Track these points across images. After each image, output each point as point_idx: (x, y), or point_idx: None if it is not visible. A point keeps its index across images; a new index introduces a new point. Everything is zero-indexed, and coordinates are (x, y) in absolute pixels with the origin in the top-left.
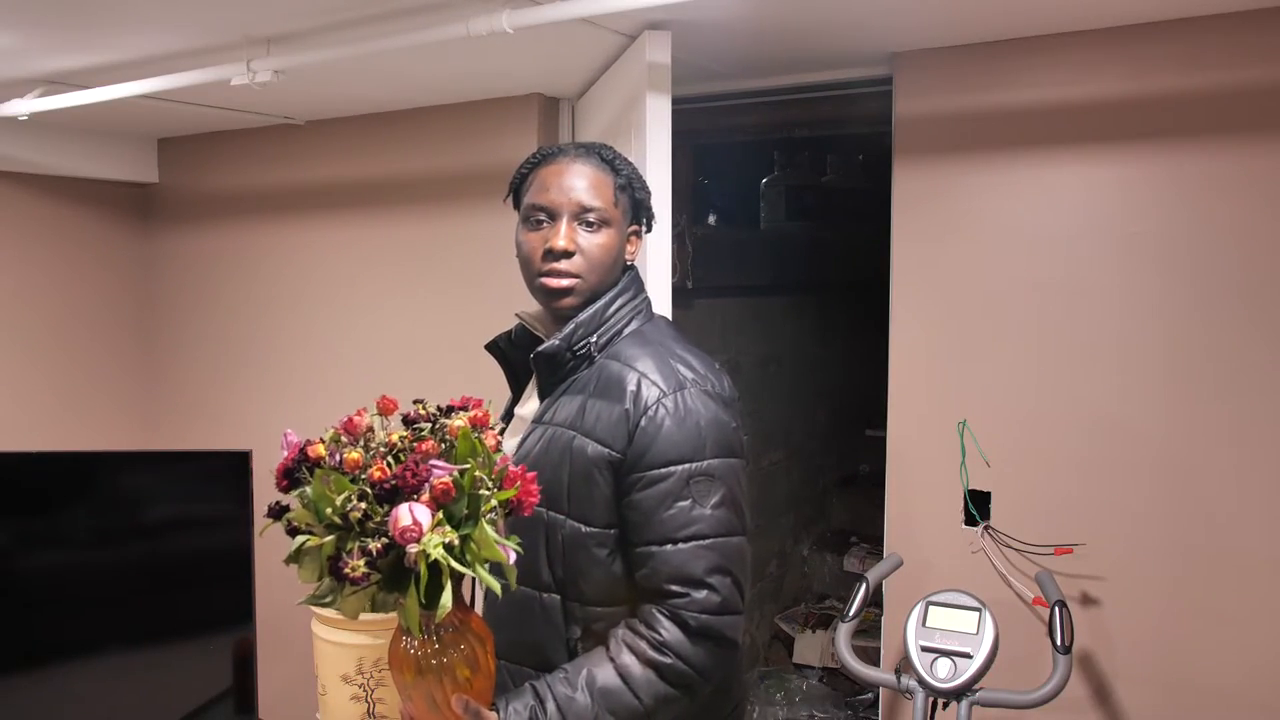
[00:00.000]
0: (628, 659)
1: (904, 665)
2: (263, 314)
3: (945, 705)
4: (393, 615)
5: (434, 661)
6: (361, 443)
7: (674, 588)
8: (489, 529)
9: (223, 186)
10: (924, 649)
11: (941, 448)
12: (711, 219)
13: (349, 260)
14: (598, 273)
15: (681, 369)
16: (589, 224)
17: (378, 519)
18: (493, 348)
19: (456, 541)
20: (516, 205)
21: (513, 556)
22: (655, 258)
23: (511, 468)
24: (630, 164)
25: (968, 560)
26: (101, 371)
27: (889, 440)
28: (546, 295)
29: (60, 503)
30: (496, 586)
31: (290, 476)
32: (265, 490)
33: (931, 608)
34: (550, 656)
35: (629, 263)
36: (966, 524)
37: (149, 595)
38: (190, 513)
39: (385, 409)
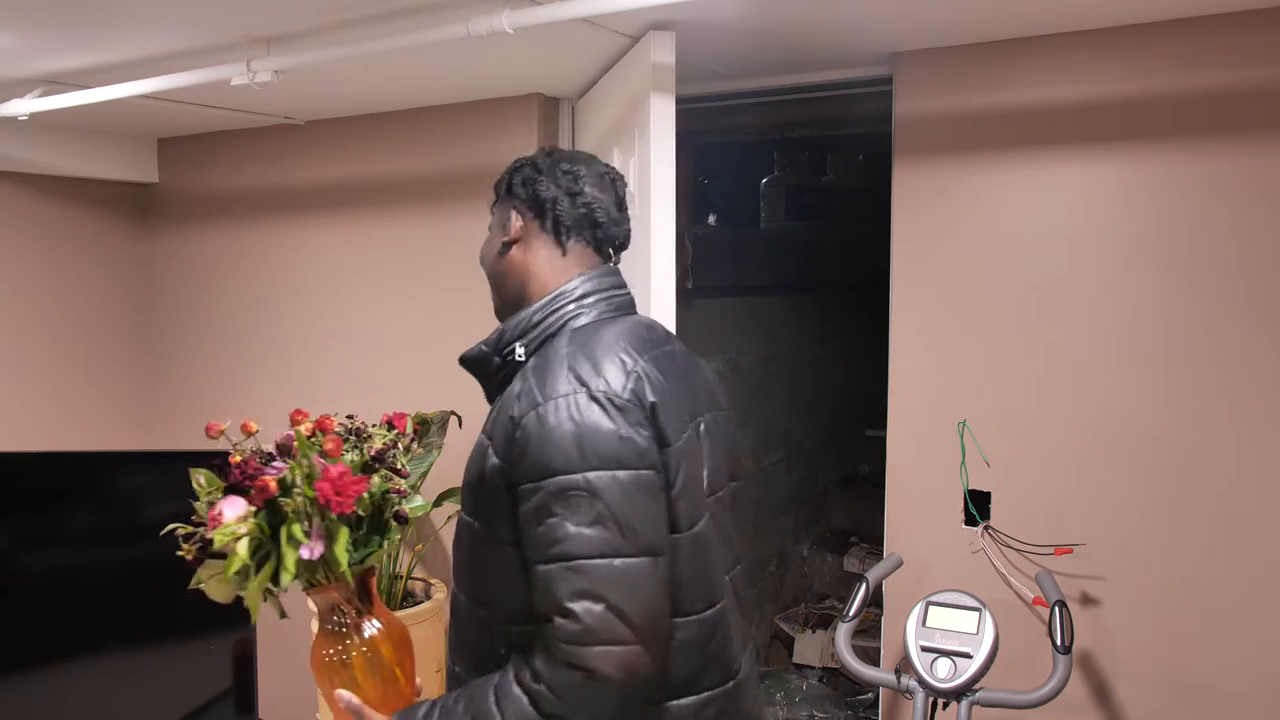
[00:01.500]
0: (508, 682)
1: (904, 665)
2: (262, 313)
3: (945, 705)
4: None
5: (331, 657)
6: (236, 444)
7: (546, 612)
8: (292, 524)
9: (222, 186)
10: (924, 649)
11: (941, 448)
12: (711, 219)
13: (348, 260)
14: (493, 283)
15: (579, 371)
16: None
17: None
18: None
19: (259, 532)
20: None
21: (306, 554)
22: (660, 259)
23: (330, 468)
24: (509, 172)
25: (968, 560)
26: (101, 371)
27: (889, 440)
28: None
29: (60, 503)
30: (289, 576)
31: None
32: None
33: (931, 608)
34: (489, 667)
35: (509, 240)
36: (966, 524)
37: (149, 595)
38: (190, 513)
39: (322, 425)
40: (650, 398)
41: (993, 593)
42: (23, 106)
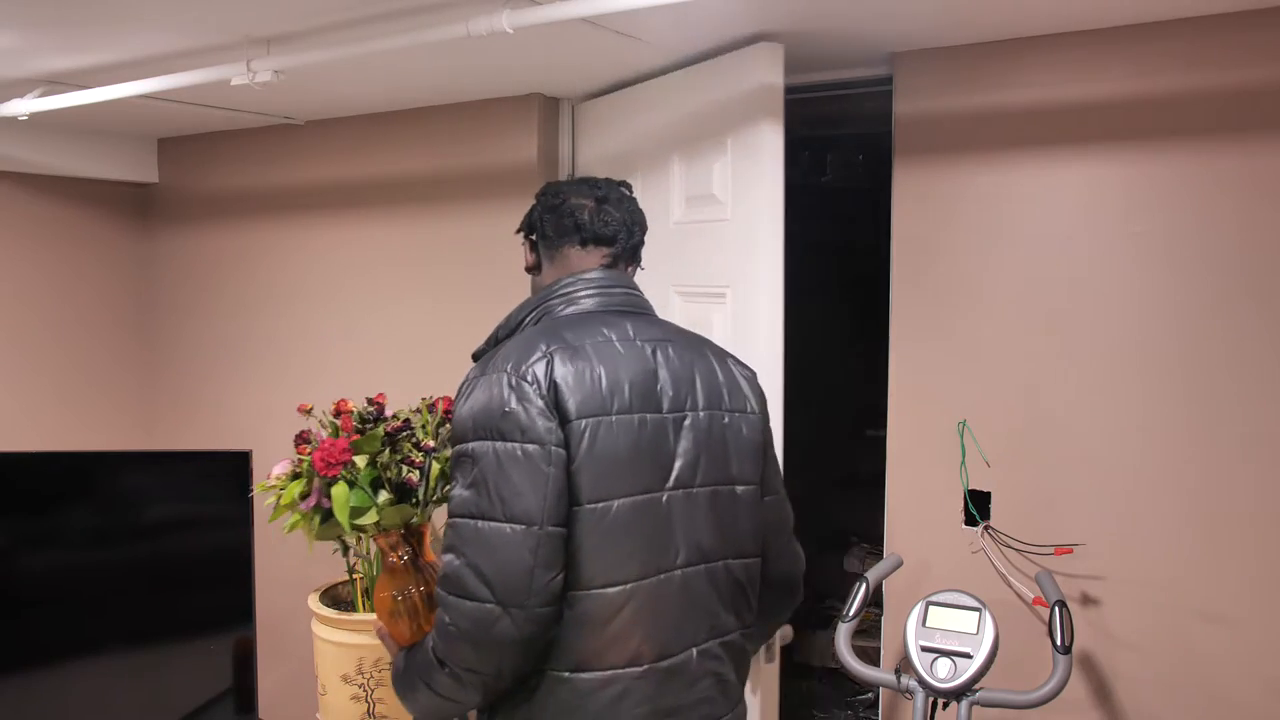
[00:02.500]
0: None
1: (904, 665)
2: (262, 313)
3: (945, 705)
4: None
5: (382, 594)
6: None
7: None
8: (300, 482)
9: (223, 186)
10: (924, 649)
11: (941, 448)
12: None
13: (348, 260)
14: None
15: (505, 356)
16: None
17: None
18: None
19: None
20: None
21: (303, 505)
22: (767, 279)
23: (325, 439)
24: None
25: (968, 560)
26: (101, 371)
27: (889, 440)
28: None
29: (60, 503)
30: (294, 524)
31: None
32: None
33: (931, 608)
34: None
35: (528, 267)
36: (966, 524)
37: (149, 595)
38: (190, 513)
39: (339, 407)
40: (554, 376)
41: (993, 593)
42: (23, 106)
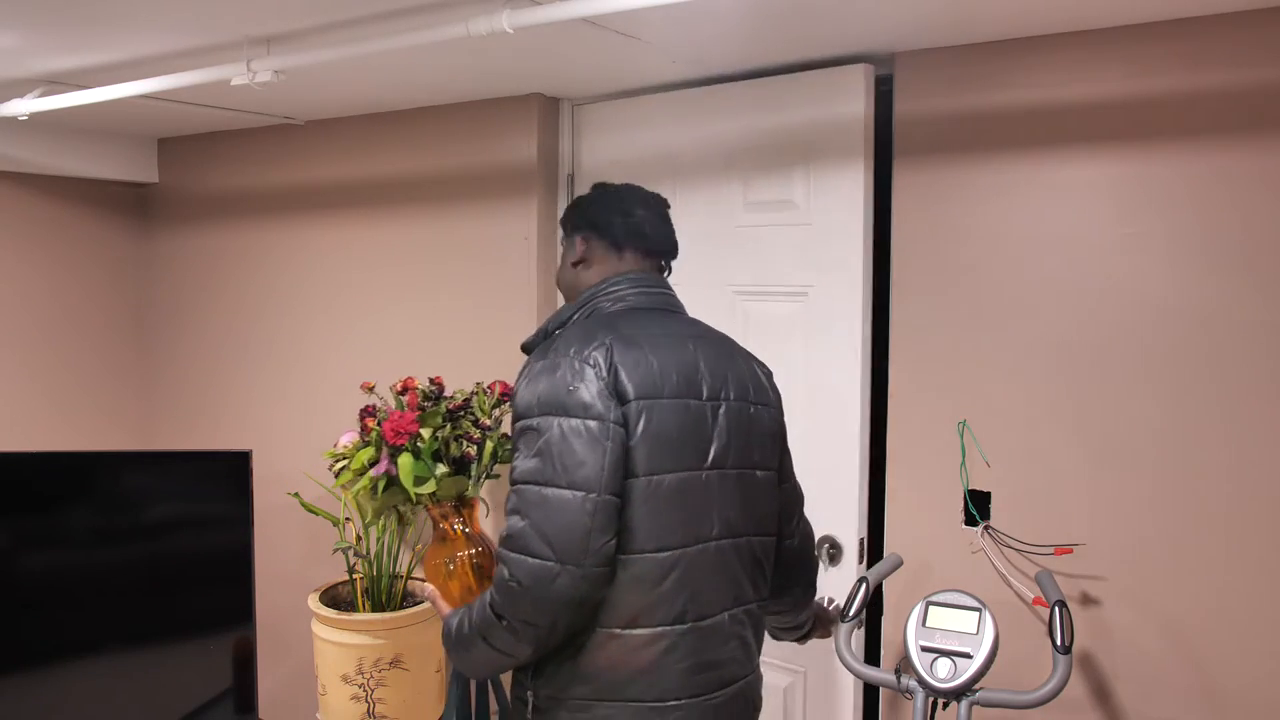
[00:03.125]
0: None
1: (904, 665)
2: (262, 314)
3: (945, 705)
4: (391, 616)
5: (434, 561)
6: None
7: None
8: (368, 451)
9: (222, 186)
10: (924, 649)
11: (941, 448)
12: None
13: (348, 260)
14: (567, 297)
15: (566, 344)
16: None
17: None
18: None
19: (350, 453)
20: None
21: (374, 470)
22: (854, 281)
23: (394, 412)
24: (571, 210)
25: (968, 560)
26: (101, 371)
27: (889, 440)
28: None
29: (60, 503)
30: (363, 486)
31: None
32: (265, 490)
33: (931, 608)
34: None
35: (576, 262)
36: (966, 524)
37: (149, 595)
38: (190, 513)
39: (406, 384)
40: (614, 361)
41: (993, 593)
42: (23, 106)
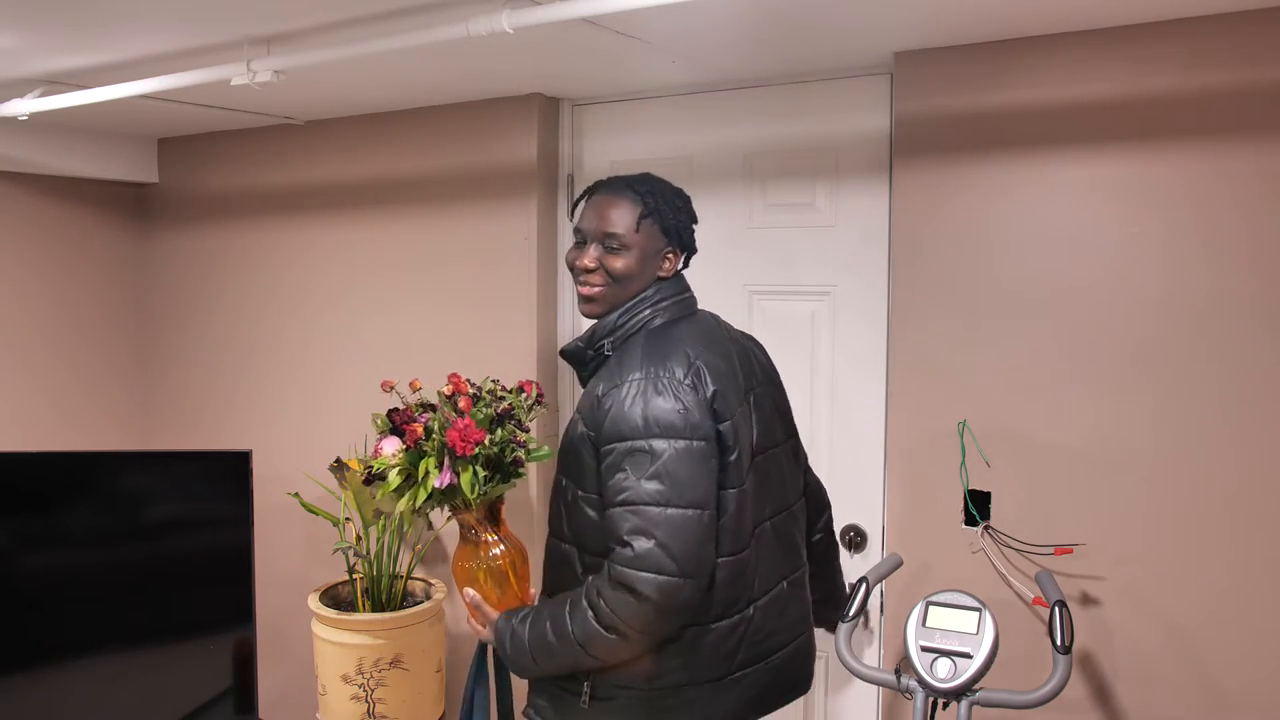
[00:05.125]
0: (578, 597)
1: (904, 665)
2: (262, 314)
3: (945, 705)
4: (391, 616)
5: (463, 564)
6: (410, 397)
7: (611, 544)
8: (429, 460)
9: (222, 186)
10: (924, 649)
11: (941, 448)
12: None
13: (348, 260)
14: (617, 287)
15: (654, 362)
16: (611, 248)
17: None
18: (563, 353)
19: (406, 464)
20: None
21: (438, 483)
22: (875, 281)
23: (458, 420)
24: (663, 197)
25: (968, 560)
26: (101, 371)
27: (889, 440)
28: (579, 300)
29: (60, 503)
30: (421, 496)
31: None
32: (265, 490)
33: (931, 608)
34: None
35: (662, 276)
36: (966, 524)
37: (149, 595)
38: (190, 513)
39: (458, 386)
40: (710, 383)
41: (993, 593)
42: (23, 106)
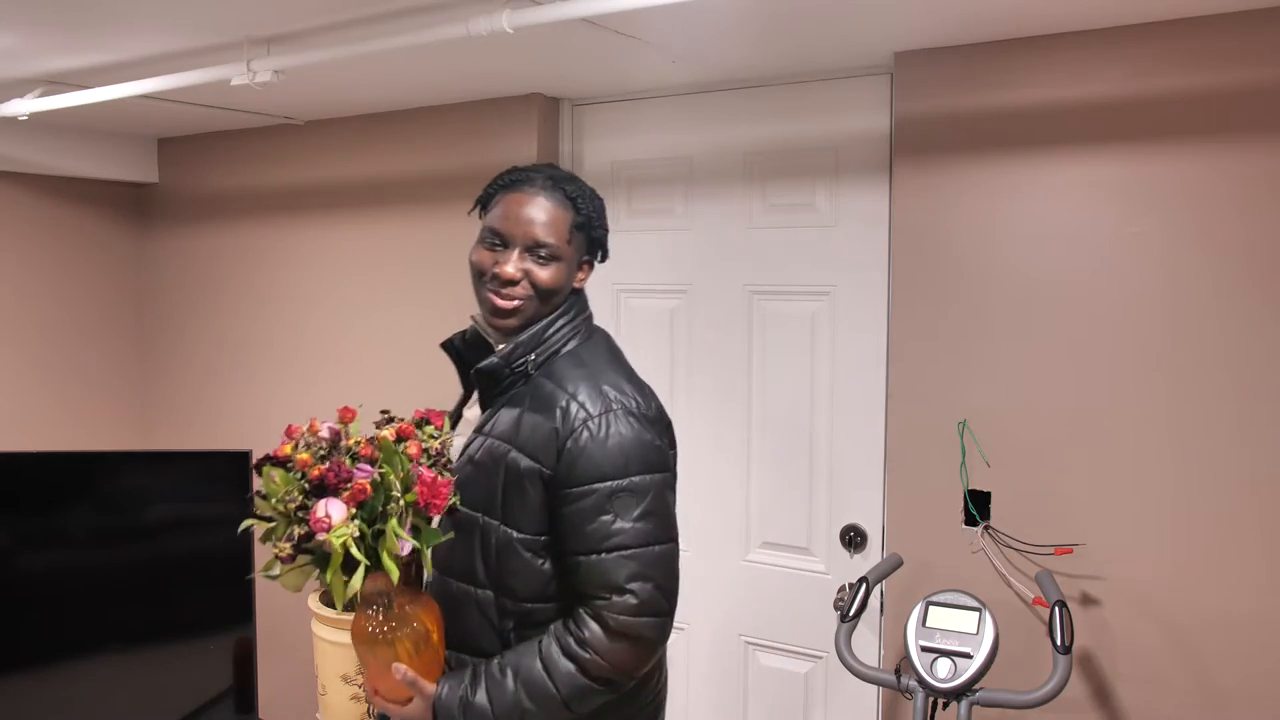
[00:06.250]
0: (554, 653)
1: (904, 665)
2: (262, 313)
3: (945, 705)
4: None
5: (382, 635)
6: (303, 444)
7: (600, 593)
8: (394, 524)
9: (222, 186)
10: (924, 649)
11: (941, 448)
12: None
13: (348, 260)
14: (539, 300)
15: (609, 391)
16: (540, 257)
17: (303, 513)
18: (448, 346)
19: (366, 533)
20: (483, 213)
21: (406, 549)
22: (877, 281)
23: (424, 473)
24: (592, 201)
25: (968, 560)
26: (100, 371)
27: (889, 440)
28: (491, 312)
29: (60, 503)
30: (395, 574)
31: (258, 470)
32: None
33: (931, 608)
34: (485, 646)
35: (576, 289)
36: (966, 524)
37: (149, 595)
38: (190, 513)
39: (344, 417)
40: (664, 412)
41: (993, 593)
42: (23, 106)
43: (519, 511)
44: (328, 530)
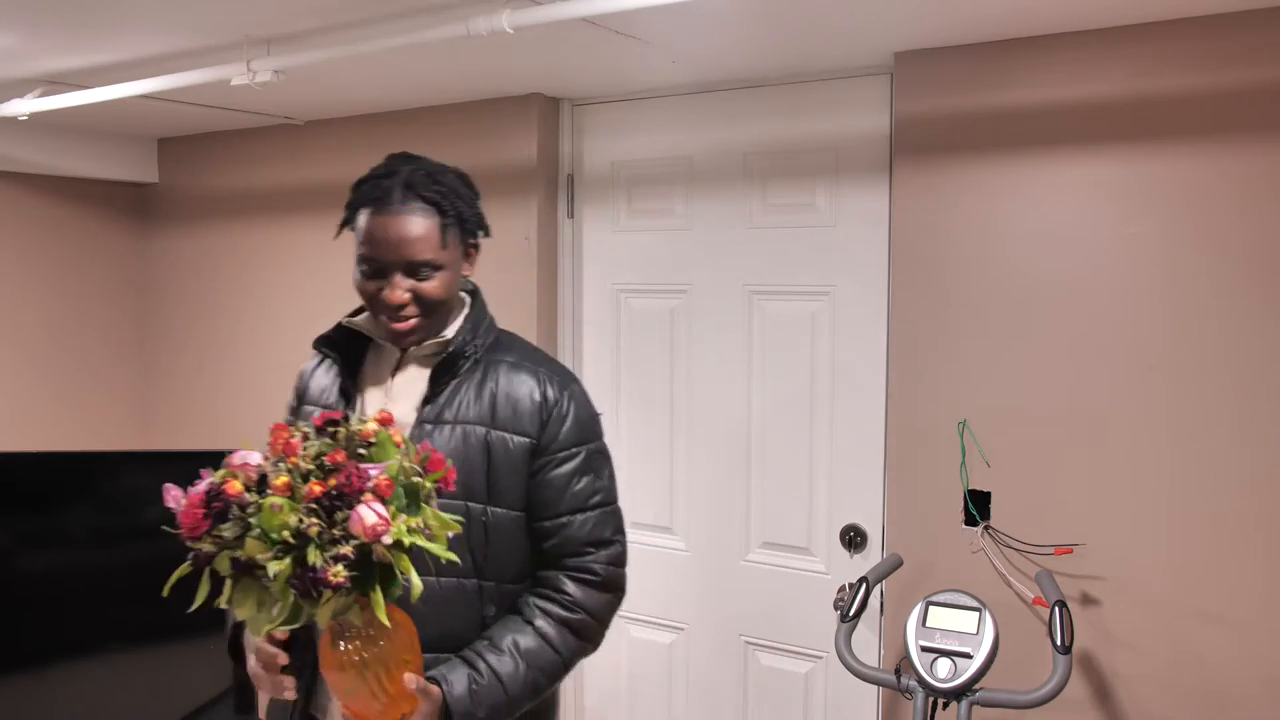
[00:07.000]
0: (543, 622)
1: (904, 665)
2: (261, 314)
3: (945, 705)
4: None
5: (373, 653)
6: (271, 468)
7: (585, 549)
8: (430, 511)
9: (222, 186)
10: (924, 649)
11: (941, 448)
12: None
13: (348, 260)
14: (437, 309)
15: (560, 366)
16: (422, 275)
17: (336, 529)
18: (323, 344)
19: (418, 524)
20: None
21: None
22: (876, 280)
23: (434, 453)
24: (455, 191)
25: (968, 560)
26: (100, 371)
27: (889, 440)
28: (392, 337)
29: (60, 503)
30: (454, 557)
31: (223, 516)
32: None
33: (931, 608)
34: (469, 638)
35: (466, 274)
36: (966, 524)
37: (149, 595)
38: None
39: (276, 438)
40: None
41: (993, 593)
42: (23, 106)
43: (511, 490)
44: (388, 531)
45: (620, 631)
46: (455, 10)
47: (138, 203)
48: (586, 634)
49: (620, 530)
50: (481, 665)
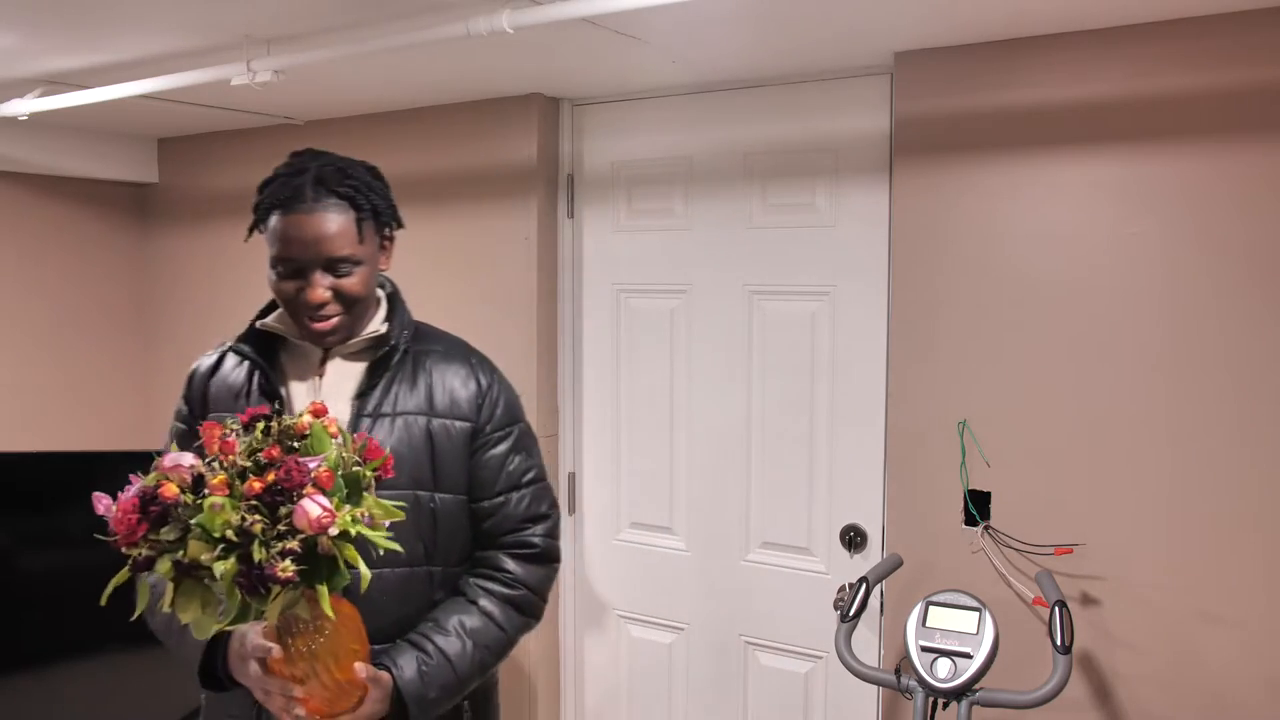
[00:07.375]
0: (486, 601)
1: (904, 665)
2: None
3: (945, 705)
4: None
5: (321, 644)
6: (207, 466)
7: (523, 524)
8: (372, 500)
9: (222, 186)
10: (924, 649)
11: (941, 448)
12: None
13: None
14: (357, 305)
15: (483, 355)
16: (340, 272)
17: (281, 524)
18: (240, 349)
19: (362, 514)
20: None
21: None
22: (876, 281)
23: (371, 440)
24: (368, 186)
25: (968, 560)
26: (100, 371)
27: (889, 440)
28: (313, 337)
29: (60, 503)
30: (396, 546)
31: (163, 520)
32: None
33: (931, 608)
34: (418, 624)
35: (383, 268)
36: (966, 524)
37: None
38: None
39: (209, 437)
40: None
41: (993, 593)
42: (23, 106)
43: (453, 476)
44: (333, 523)
45: (620, 631)
46: (455, 10)
47: (138, 203)
48: (529, 609)
49: (554, 504)
50: (429, 646)
